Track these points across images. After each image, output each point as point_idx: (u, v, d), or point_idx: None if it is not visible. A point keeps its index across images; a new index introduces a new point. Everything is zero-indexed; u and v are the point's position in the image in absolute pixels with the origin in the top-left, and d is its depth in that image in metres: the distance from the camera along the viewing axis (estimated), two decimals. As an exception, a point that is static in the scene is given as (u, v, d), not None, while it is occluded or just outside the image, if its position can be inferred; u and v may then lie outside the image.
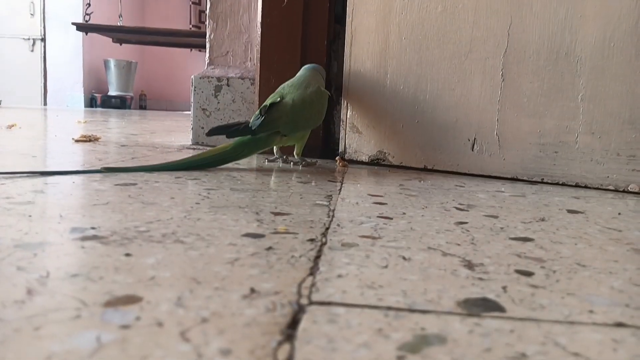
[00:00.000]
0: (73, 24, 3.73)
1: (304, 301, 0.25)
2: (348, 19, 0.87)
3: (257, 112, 0.75)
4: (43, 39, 4.51)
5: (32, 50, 4.53)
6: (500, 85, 0.75)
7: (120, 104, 4.61)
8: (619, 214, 0.52)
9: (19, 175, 0.58)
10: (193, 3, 4.93)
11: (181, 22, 5.01)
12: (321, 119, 0.81)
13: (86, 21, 3.88)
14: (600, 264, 0.33)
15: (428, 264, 0.32)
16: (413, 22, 0.81)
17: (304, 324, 0.22)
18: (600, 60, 0.68)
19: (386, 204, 0.51)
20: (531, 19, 0.72)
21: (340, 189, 0.60)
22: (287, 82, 0.80)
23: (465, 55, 0.77)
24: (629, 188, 0.68)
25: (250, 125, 0.72)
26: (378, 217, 0.45)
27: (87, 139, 1.07)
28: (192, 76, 1.08)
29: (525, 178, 0.74)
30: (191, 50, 4.72)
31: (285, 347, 0.20)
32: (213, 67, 1.11)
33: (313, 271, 0.29)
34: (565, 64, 0.70)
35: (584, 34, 0.69)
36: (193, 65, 5.18)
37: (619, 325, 0.24)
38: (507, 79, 0.75)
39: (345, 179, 0.69)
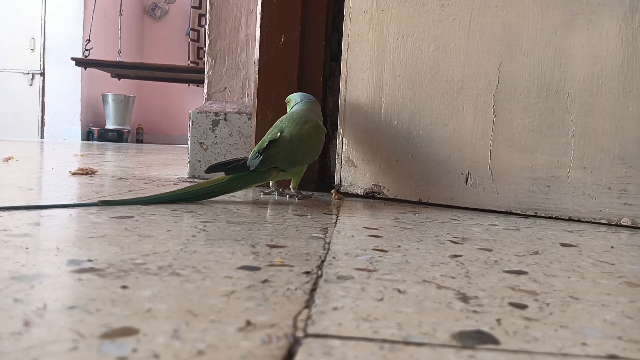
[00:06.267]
0: (72, 59, 3.80)
1: (299, 334, 0.25)
2: (343, 57, 0.89)
3: (256, 148, 0.76)
4: (42, 73, 4.57)
5: (31, 84, 4.59)
6: (492, 121, 0.77)
7: (117, 137, 4.64)
8: (612, 247, 0.53)
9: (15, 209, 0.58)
10: (192, 40, 5.03)
11: (179, 58, 5.10)
12: (318, 153, 0.82)
13: (85, 56, 3.94)
14: (593, 297, 0.33)
15: (423, 296, 0.32)
16: (406, 60, 0.83)
17: (299, 356, 0.22)
18: (589, 97, 0.70)
19: (381, 236, 0.52)
20: (521, 57, 0.74)
21: (335, 222, 0.60)
22: (285, 116, 0.82)
23: (457, 92, 0.79)
24: (621, 222, 0.68)
25: (248, 164, 0.73)
26: (373, 249, 0.45)
27: (84, 172, 1.07)
28: (190, 111, 1.09)
29: (518, 212, 0.75)
30: (189, 85, 4.79)
31: (281, 379, 0.20)
32: (211, 102, 1.13)
33: (309, 304, 0.29)
34: (555, 100, 0.72)
35: (573, 72, 0.71)
36: (190, 100, 5.24)
37: (612, 357, 0.24)
38: (498, 115, 0.76)
39: (341, 211, 0.70)
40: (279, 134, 0.76)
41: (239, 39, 1.13)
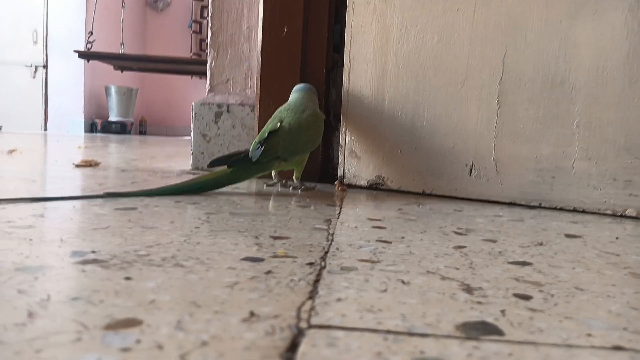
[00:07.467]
0: (75, 51, 3.79)
1: (303, 325, 0.25)
2: (346, 48, 0.89)
3: (257, 140, 0.76)
4: (45, 66, 4.57)
5: (34, 77, 4.58)
6: (496, 112, 0.76)
7: (120, 129, 4.64)
8: (617, 238, 0.52)
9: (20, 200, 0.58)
10: (194, 32, 5.01)
11: (182, 49, 5.09)
12: (318, 141, 0.82)
13: (88, 49, 3.94)
14: (598, 288, 0.33)
15: (427, 287, 0.32)
16: (410, 52, 0.83)
17: (303, 347, 0.22)
18: (594, 88, 0.69)
19: (385, 228, 0.52)
20: (526, 48, 0.74)
21: (339, 213, 0.60)
22: (283, 106, 0.82)
23: (461, 83, 0.79)
24: (626, 213, 0.68)
25: (250, 156, 0.73)
26: (377, 241, 0.45)
27: (88, 164, 1.07)
28: (193, 102, 1.09)
29: (523, 203, 0.75)
30: (191, 77, 4.78)
31: (285, 370, 0.20)
32: (213, 93, 1.13)
33: (312, 295, 0.29)
34: (560, 91, 0.72)
35: (578, 63, 0.70)
36: (193, 91, 5.23)
37: (617, 348, 0.24)
38: (503, 106, 0.76)
39: (344, 203, 0.69)
40: (278, 124, 0.76)
41: (241, 31, 1.12)
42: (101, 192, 0.65)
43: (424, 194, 0.83)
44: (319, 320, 0.25)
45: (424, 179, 0.83)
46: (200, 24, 4.99)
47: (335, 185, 0.87)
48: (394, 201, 0.75)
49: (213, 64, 1.13)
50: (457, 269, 0.37)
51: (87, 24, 4.38)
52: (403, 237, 0.47)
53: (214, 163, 0.74)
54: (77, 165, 1.06)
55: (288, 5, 0.94)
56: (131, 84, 4.95)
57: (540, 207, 0.74)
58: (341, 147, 0.91)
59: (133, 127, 4.90)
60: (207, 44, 1.16)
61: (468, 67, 0.78)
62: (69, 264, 0.33)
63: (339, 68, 0.96)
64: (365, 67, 0.87)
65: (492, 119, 0.77)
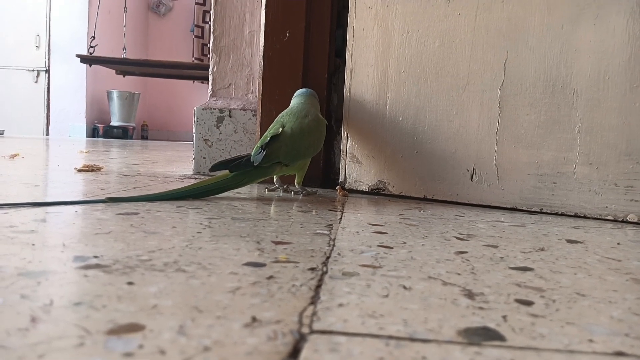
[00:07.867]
0: (77, 56, 3.80)
1: (305, 330, 0.25)
2: (348, 53, 0.89)
3: (258, 144, 0.76)
4: (47, 70, 4.59)
5: (36, 82, 4.60)
6: (497, 117, 0.76)
7: (122, 134, 4.65)
8: (618, 243, 0.52)
9: (22, 205, 0.58)
10: (196, 36, 5.03)
11: (184, 54, 5.10)
12: (320, 146, 0.82)
13: (90, 53, 3.95)
14: (599, 294, 0.33)
15: (428, 293, 0.32)
16: (411, 56, 0.83)
17: (305, 353, 0.22)
18: (595, 92, 0.70)
19: (386, 233, 0.52)
20: (527, 53, 0.74)
21: (340, 218, 0.60)
22: (285, 111, 0.82)
23: (462, 88, 0.79)
24: (627, 218, 0.68)
25: (252, 160, 0.73)
26: (378, 246, 0.45)
27: (90, 169, 1.08)
28: (195, 107, 1.09)
29: (524, 208, 0.75)
30: (193, 82, 4.79)
31: (287, 376, 0.20)
32: (215, 98, 1.13)
33: (314, 300, 0.29)
34: (562, 96, 0.72)
35: (579, 68, 0.70)
36: (195, 96, 5.24)
37: (619, 354, 0.24)
38: (504, 111, 0.76)
39: (346, 208, 0.70)
40: (280, 129, 0.76)
41: (243, 35, 1.13)
42: (103, 197, 0.65)
43: (425, 199, 0.83)
44: (321, 325, 0.25)
45: (425, 184, 0.83)
46: (203, 28, 5.01)
47: (337, 190, 0.87)
48: (396, 206, 0.75)
49: (215, 69, 1.14)
50: (459, 274, 0.37)
51: (89, 28, 4.39)
52: (404, 243, 0.47)
53: (215, 167, 0.75)
54: (79, 170, 1.06)
55: (290, 10, 0.94)
56: (133, 88, 4.96)
57: (541, 212, 0.74)
58: (342, 152, 0.91)
59: (135, 131, 4.91)
60: (209, 48, 1.16)
61: (469, 71, 0.78)
62: (72, 269, 0.33)
63: (341, 73, 0.96)
64: (366, 71, 0.87)
65: (493, 124, 0.77)
